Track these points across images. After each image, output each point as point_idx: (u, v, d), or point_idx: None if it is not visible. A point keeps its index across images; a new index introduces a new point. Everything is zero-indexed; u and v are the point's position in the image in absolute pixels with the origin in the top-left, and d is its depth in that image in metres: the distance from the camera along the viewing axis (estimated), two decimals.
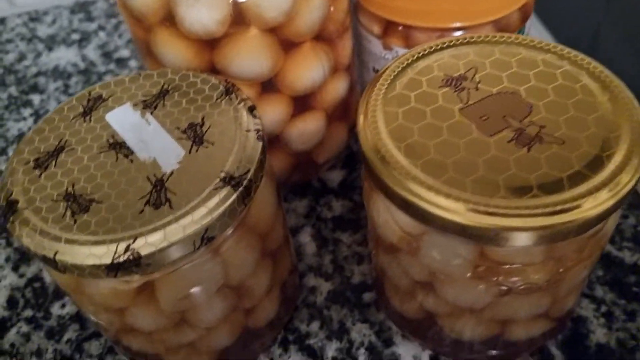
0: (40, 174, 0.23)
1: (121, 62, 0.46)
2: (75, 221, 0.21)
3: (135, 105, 0.25)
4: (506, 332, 0.25)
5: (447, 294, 0.23)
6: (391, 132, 0.21)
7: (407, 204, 0.20)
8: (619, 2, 0.38)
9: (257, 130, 0.23)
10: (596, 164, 0.20)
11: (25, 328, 0.32)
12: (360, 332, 0.29)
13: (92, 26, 0.50)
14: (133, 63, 0.46)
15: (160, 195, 0.21)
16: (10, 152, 0.41)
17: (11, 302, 0.33)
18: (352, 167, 0.37)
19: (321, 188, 0.36)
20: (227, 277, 0.24)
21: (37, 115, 0.43)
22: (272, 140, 0.31)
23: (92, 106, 0.25)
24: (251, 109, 0.24)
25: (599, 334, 0.28)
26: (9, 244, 0.35)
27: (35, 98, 0.45)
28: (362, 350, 0.29)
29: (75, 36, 0.50)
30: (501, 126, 0.21)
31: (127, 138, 0.23)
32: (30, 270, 0.34)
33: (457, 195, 0.19)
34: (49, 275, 0.34)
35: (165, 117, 0.24)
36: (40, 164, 0.23)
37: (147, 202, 0.21)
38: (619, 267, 0.30)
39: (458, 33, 0.30)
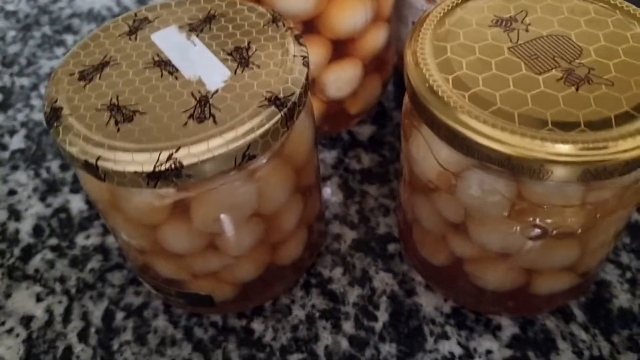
0: (85, 85, 0.23)
1: None
2: (118, 129, 0.21)
3: (181, 27, 0.25)
4: (532, 283, 0.25)
5: (480, 236, 0.23)
6: (439, 64, 0.21)
7: (453, 134, 0.20)
8: None
9: (303, 57, 0.23)
10: None
11: (49, 255, 0.32)
12: (382, 281, 0.29)
13: None
14: None
15: (204, 109, 0.21)
16: (42, 89, 0.41)
17: (37, 230, 0.33)
18: (383, 123, 0.37)
19: (351, 141, 0.36)
20: (260, 204, 0.24)
21: None
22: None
23: (138, 26, 0.25)
24: (297, 37, 0.24)
25: (622, 299, 0.28)
26: (37, 174, 0.36)
27: (69, 38, 0.45)
28: (383, 299, 0.29)
29: None
30: (550, 66, 0.21)
31: (172, 57, 0.23)
32: (57, 201, 0.34)
33: (504, 125, 0.19)
34: (75, 207, 0.34)
35: (211, 39, 0.24)
36: (85, 76, 0.23)
37: (191, 116, 0.21)
38: None
39: None
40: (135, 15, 0.26)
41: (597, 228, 0.22)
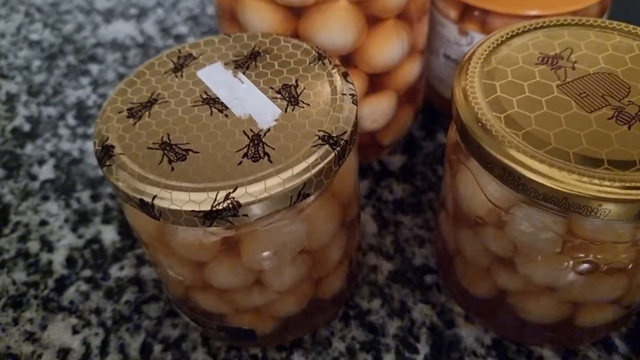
0: (135, 123, 0.23)
1: (180, 38, 0.47)
2: (172, 168, 0.21)
3: (226, 64, 0.25)
4: (576, 316, 0.25)
5: (527, 270, 0.23)
6: (490, 103, 0.22)
7: (508, 172, 0.20)
8: None
9: (352, 95, 0.23)
10: None
11: (84, 287, 0.32)
12: (421, 312, 0.29)
13: (150, 2, 0.51)
14: (192, 40, 0.47)
15: (258, 148, 0.21)
16: (69, 119, 0.41)
17: (70, 262, 0.33)
18: (413, 153, 0.37)
19: (382, 171, 0.36)
20: (308, 241, 0.24)
21: (95, 84, 0.44)
22: None
23: (183, 63, 0.25)
24: (345, 75, 0.24)
25: None
26: (67, 205, 0.36)
27: (94, 68, 0.45)
28: (423, 330, 0.29)
29: (134, 10, 0.50)
30: (600, 104, 0.21)
31: (220, 94, 0.24)
32: (89, 232, 0.34)
33: (561, 165, 0.19)
34: (107, 238, 0.34)
35: (258, 77, 0.24)
36: (134, 114, 0.23)
37: (245, 155, 0.21)
38: None
39: None
40: (179, 52, 0.26)
41: None
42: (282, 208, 0.21)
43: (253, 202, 0.20)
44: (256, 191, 0.20)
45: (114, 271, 0.32)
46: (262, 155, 0.21)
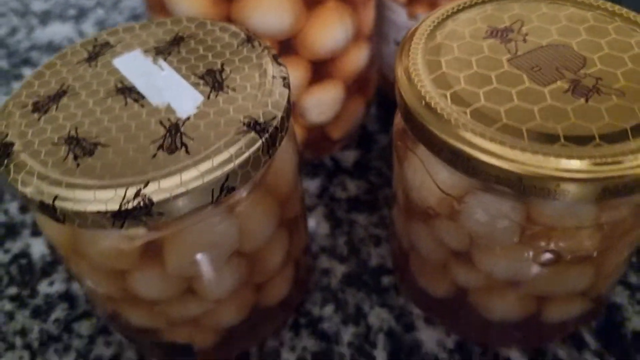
0: (40, 118, 0.20)
1: None
2: (78, 165, 0.18)
3: (146, 51, 0.22)
4: (542, 311, 0.23)
5: (486, 264, 0.21)
6: (435, 80, 0.20)
7: (456, 154, 0.18)
8: None
9: (283, 78, 0.21)
10: None
11: (8, 306, 0.29)
12: (378, 317, 0.27)
13: (90, 3, 0.48)
14: None
15: (175, 139, 0.19)
16: None
17: None
18: (367, 147, 0.35)
19: (334, 168, 0.34)
20: (241, 242, 0.21)
21: None
22: None
23: (99, 52, 0.23)
24: (275, 57, 0.22)
25: (635, 322, 0.26)
26: None
27: (27, 71, 0.42)
28: (380, 336, 0.26)
29: (72, 11, 0.47)
30: (555, 77, 0.19)
31: (137, 83, 0.21)
32: (16, 246, 0.31)
33: (513, 143, 0.17)
34: (37, 251, 0.31)
35: (180, 63, 0.22)
36: (40, 108, 0.21)
37: (161, 147, 0.19)
38: None
39: None
40: (96, 40, 0.23)
41: (613, 250, 0.20)
42: (205, 204, 0.18)
43: (168, 199, 0.18)
44: (171, 186, 0.18)
45: (43, 287, 0.29)
46: (179, 146, 0.19)
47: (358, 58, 0.30)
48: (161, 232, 0.20)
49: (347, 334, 0.26)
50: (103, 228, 0.18)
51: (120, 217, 0.18)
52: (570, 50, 0.20)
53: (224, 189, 0.18)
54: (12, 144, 0.19)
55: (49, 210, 0.18)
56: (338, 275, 0.29)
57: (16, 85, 0.41)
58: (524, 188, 0.17)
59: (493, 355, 0.25)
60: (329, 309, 0.27)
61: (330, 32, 0.27)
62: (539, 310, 0.23)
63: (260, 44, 0.22)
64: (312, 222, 0.31)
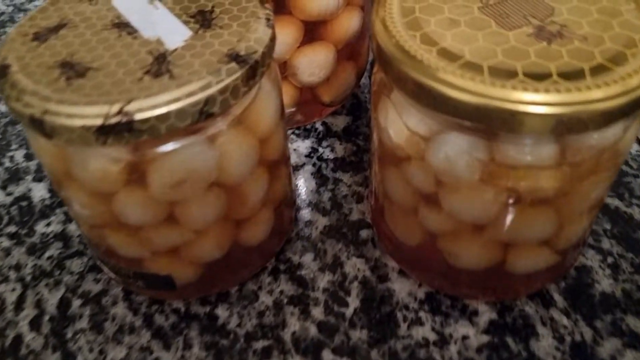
0: (39, 45, 0.22)
1: None
2: (69, 85, 0.20)
3: None
4: (508, 260, 0.24)
5: (452, 205, 0.22)
6: (407, 24, 0.21)
7: (420, 88, 0.19)
8: None
9: (268, 19, 0.22)
10: (620, 58, 0.19)
11: (6, 243, 0.30)
12: (354, 267, 0.28)
13: None
14: None
15: (161, 66, 0.20)
16: None
17: None
18: (358, 115, 0.36)
19: (325, 131, 0.35)
20: (221, 172, 0.22)
21: None
22: (279, 69, 0.30)
23: None
24: (262, 1, 0.23)
25: (604, 284, 0.27)
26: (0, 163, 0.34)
27: None
28: (355, 284, 0.27)
29: None
30: (521, 23, 0.20)
31: (132, 19, 0.23)
32: (18, 190, 0.33)
33: (473, 76, 0.18)
34: (37, 195, 0.32)
35: (175, 4, 0.23)
36: (40, 37, 0.22)
37: (147, 72, 0.20)
38: (628, 223, 0.29)
39: None
40: None
41: (574, 194, 0.21)
42: (184, 127, 0.20)
43: (149, 118, 0.19)
44: (152, 105, 0.19)
45: (40, 227, 0.31)
46: (164, 72, 0.20)
47: (348, 23, 0.31)
48: (145, 156, 0.21)
49: (324, 281, 0.27)
50: (88, 144, 0.19)
51: (104, 133, 0.19)
52: (540, 2, 0.21)
53: (203, 112, 0.20)
54: (9, 66, 0.21)
55: (38, 125, 0.19)
56: (319, 227, 0.30)
57: None
58: (482, 119, 0.18)
59: (461, 307, 0.26)
60: (308, 257, 0.28)
61: None
62: (504, 259, 0.24)
63: None
64: (303, 176, 0.32)
